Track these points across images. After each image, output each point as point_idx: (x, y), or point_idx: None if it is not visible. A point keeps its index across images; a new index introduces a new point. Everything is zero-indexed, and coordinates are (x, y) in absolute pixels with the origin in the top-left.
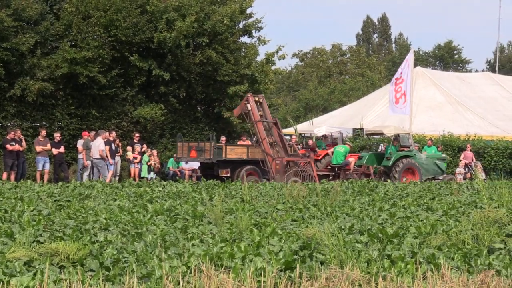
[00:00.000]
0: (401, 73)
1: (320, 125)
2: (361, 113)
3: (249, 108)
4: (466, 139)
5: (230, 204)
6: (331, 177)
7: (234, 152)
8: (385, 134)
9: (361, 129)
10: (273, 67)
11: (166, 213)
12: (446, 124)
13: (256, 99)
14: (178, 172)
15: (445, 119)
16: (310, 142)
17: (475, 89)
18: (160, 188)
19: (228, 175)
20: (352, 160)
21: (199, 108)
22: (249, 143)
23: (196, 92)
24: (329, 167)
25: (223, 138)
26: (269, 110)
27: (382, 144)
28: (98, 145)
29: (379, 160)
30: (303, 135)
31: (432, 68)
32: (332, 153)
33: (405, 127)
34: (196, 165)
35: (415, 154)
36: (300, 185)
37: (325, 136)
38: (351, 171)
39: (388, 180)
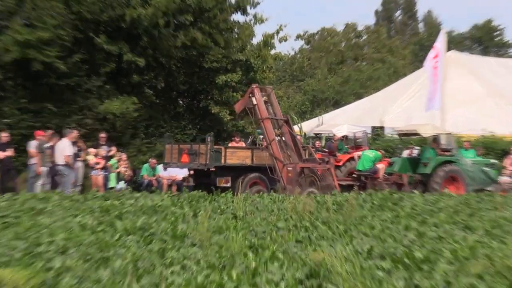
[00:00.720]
0: (436, 57)
1: (338, 123)
2: (381, 108)
3: (254, 102)
4: None
5: (219, 221)
6: (356, 187)
7: (236, 157)
8: (421, 134)
9: (382, 127)
10: (272, 52)
11: (139, 233)
12: (486, 121)
13: (263, 92)
14: (155, 181)
15: (485, 115)
16: (318, 143)
17: None
18: (132, 201)
19: (228, 184)
20: (381, 166)
21: (181, 102)
22: (243, 144)
23: (178, 82)
24: (353, 175)
25: (209, 139)
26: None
27: (409, 147)
28: (64, 149)
29: (414, 167)
30: (319, 135)
31: (468, 53)
32: (359, 157)
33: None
34: (181, 172)
35: (458, 160)
36: (307, 197)
37: (346, 137)
38: (381, 180)
39: (416, 191)
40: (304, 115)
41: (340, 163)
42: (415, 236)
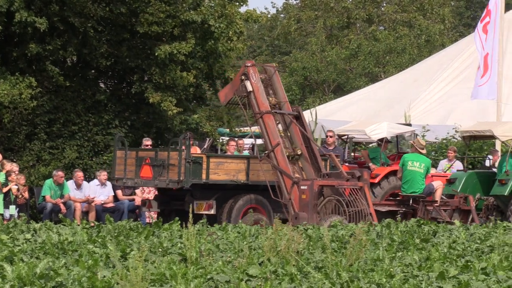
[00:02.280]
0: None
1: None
2: (407, 95)
3: (249, 88)
4: None
5: (160, 265)
6: (399, 215)
7: (223, 170)
8: (498, 137)
9: (408, 125)
10: (243, 9)
11: (39, 283)
12: None
13: (263, 74)
14: (62, 206)
15: None
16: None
17: None
18: (29, 236)
19: (212, 211)
20: (439, 185)
21: (102, 86)
22: (197, 149)
23: (98, 55)
24: (398, 198)
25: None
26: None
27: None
28: None
29: (487, 186)
30: (344, 137)
31: None
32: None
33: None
34: (103, 192)
35: None
36: (294, 230)
37: (387, 141)
38: (438, 204)
39: (471, 219)
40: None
41: (376, 180)
42: (454, 287)
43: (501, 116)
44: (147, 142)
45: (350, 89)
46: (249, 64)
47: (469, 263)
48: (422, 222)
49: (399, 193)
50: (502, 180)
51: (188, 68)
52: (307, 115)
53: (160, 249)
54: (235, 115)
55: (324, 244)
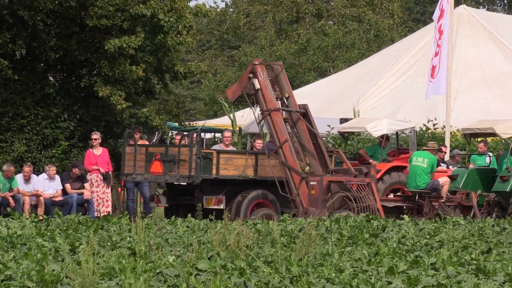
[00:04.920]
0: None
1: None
2: (357, 90)
3: (257, 86)
4: None
5: (109, 259)
6: (406, 210)
7: (233, 166)
8: (499, 134)
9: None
10: (192, 3)
11: None
12: None
13: (270, 73)
14: (11, 199)
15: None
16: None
17: None
18: None
19: (221, 206)
20: (445, 181)
21: (51, 79)
22: (145, 143)
23: (47, 48)
24: (400, 193)
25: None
26: (187, 84)
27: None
28: None
29: (488, 182)
30: (346, 135)
31: (485, 9)
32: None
33: (437, 119)
34: (51, 186)
35: None
36: (243, 224)
37: (387, 138)
38: (444, 200)
39: (472, 215)
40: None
41: (377, 176)
42: (404, 283)
43: (450, 112)
44: (95, 136)
45: (299, 84)
46: (257, 62)
47: (418, 258)
48: (371, 217)
49: (402, 189)
50: (504, 176)
51: (138, 62)
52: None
53: (109, 243)
54: (184, 109)
55: (274, 238)
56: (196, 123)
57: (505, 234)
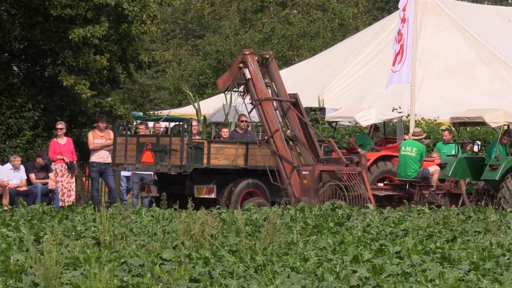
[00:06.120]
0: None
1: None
2: (321, 79)
3: (248, 75)
4: None
5: (74, 249)
6: (396, 199)
7: (224, 155)
8: (488, 123)
9: (321, 109)
10: None
11: None
12: (479, 100)
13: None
14: None
15: (477, 91)
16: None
17: None
18: None
19: (212, 195)
20: (435, 170)
21: (16, 69)
22: (110, 133)
23: (11, 38)
24: (387, 182)
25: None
26: (151, 73)
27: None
28: None
29: (477, 171)
30: (333, 124)
31: None
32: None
33: (402, 107)
34: (15, 176)
35: None
36: (207, 214)
37: (376, 127)
38: (434, 189)
39: (459, 204)
40: (203, 89)
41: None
42: (369, 272)
43: (415, 100)
44: (61, 125)
45: None
46: (247, 52)
47: (383, 247)
48: (336, 205)
49: (391, 178)
50: (493, 165)
51: (102, 51)
52: (221, 98)
53: (73, 233)
54: (149, 98)
55: (238, 227)
56: (160, 113)
57: (470, 222)
